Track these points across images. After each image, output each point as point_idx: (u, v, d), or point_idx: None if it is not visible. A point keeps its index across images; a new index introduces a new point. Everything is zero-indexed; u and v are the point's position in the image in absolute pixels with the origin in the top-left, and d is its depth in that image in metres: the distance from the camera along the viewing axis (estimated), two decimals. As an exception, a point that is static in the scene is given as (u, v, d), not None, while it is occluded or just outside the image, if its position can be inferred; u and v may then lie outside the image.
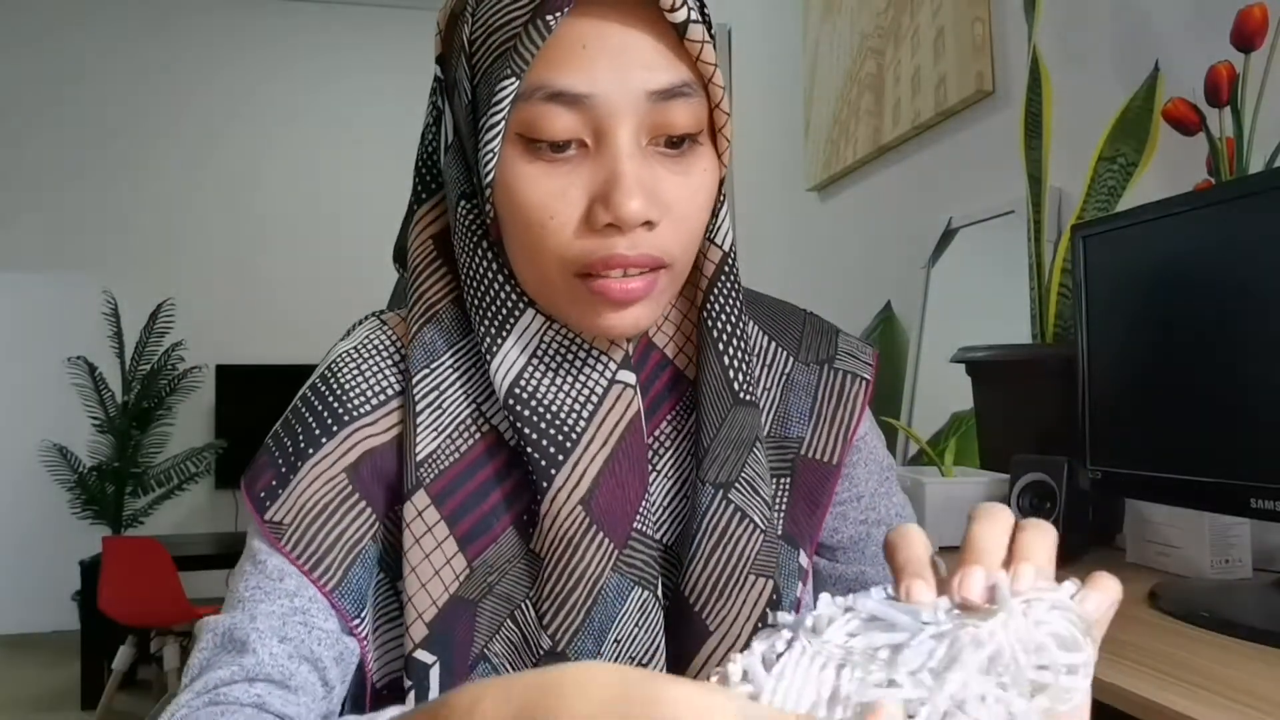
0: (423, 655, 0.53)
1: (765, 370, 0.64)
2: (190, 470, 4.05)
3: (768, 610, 0.56)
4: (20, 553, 4.30)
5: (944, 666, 0.32)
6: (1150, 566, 1.02)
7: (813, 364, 0.65)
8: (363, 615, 0.55)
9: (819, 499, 0.63)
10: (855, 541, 0.65)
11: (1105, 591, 0.38)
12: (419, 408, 0.56)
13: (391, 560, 0.56)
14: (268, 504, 0.54)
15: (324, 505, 0.54)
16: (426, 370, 0.57)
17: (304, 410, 0.57)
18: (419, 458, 0.55)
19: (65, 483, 3.98)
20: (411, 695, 0.52)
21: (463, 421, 0.57)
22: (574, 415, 0.56)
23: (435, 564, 0.54)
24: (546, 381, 0.56)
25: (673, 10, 0.50)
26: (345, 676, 0.54)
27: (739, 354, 0.59)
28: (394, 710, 0.38)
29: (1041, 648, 0.33)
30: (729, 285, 0.59)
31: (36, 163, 4.42)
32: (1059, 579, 0.37)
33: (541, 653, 0.55)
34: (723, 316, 0.59)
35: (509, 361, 0.56)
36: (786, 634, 0.34)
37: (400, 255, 0.64)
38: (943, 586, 0.36)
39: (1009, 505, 1.11)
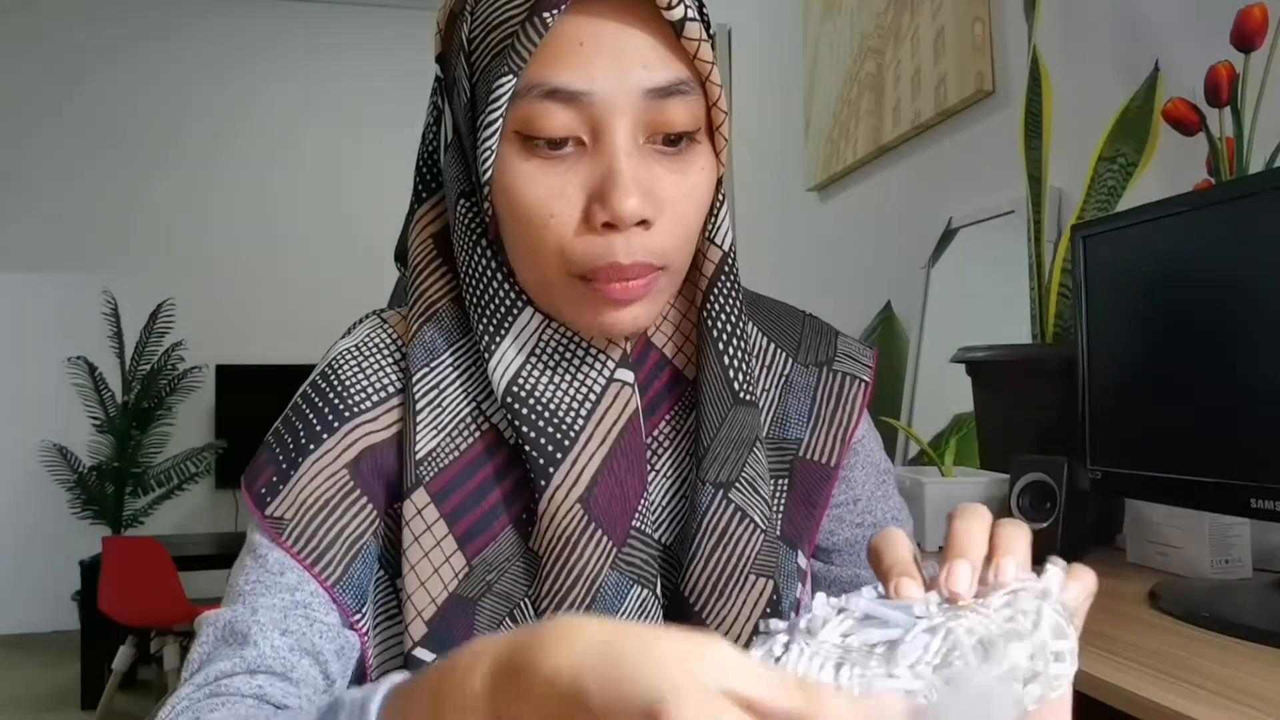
0: (422, 653, 0.53)
1: (764, 371, 0.64)
2: (190, 470, 4.05)
3: (767, 611, 0.56)
4: (20, 553, 4.30)
5: (941, 659, 0.32)
6: (1150, 566, 1.02)
7: (812, 365, 0.65)
8: (363, 610, 0.55)
9: (816, 500, 0.63)
10: (851, 544, 0.65)
11: (1084, 583, 0.40)
12: (419, 406, 0.56)
13: (391, 558, 0.56)
14: (269, 499, 0.54)
15: (325, 500, 0.54)
16: (426, 369, 0.57)
17: (305, 407, 0.57)
18: (418, 456, 0.55)
19: (65, 483, 3.98)
20: None
21: (462, 420, 0.57)
22: (572, 413, 0.56)
23: (434, 562, 0.54)
24: (545, 380, 0.56)
25: (670, 8, 0.50)
26: (346, 670, 0.54)
27: (739, 354, 0.59)
28: (397, 677, 0.39)
29: (1029, 635, 0.34)
30: (729, 285, 0.59)
31: (36, 163, 4.42)
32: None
33: None
34: (723, 316, 0.59)
35: (507, 359, 0.56)
36: (783, 638, 0.35)
37: (401, 255, 0.65)
38: (929, 586, 0.37)
39: (1009, 505, 1.11)
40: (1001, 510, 1.09)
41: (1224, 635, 0.75)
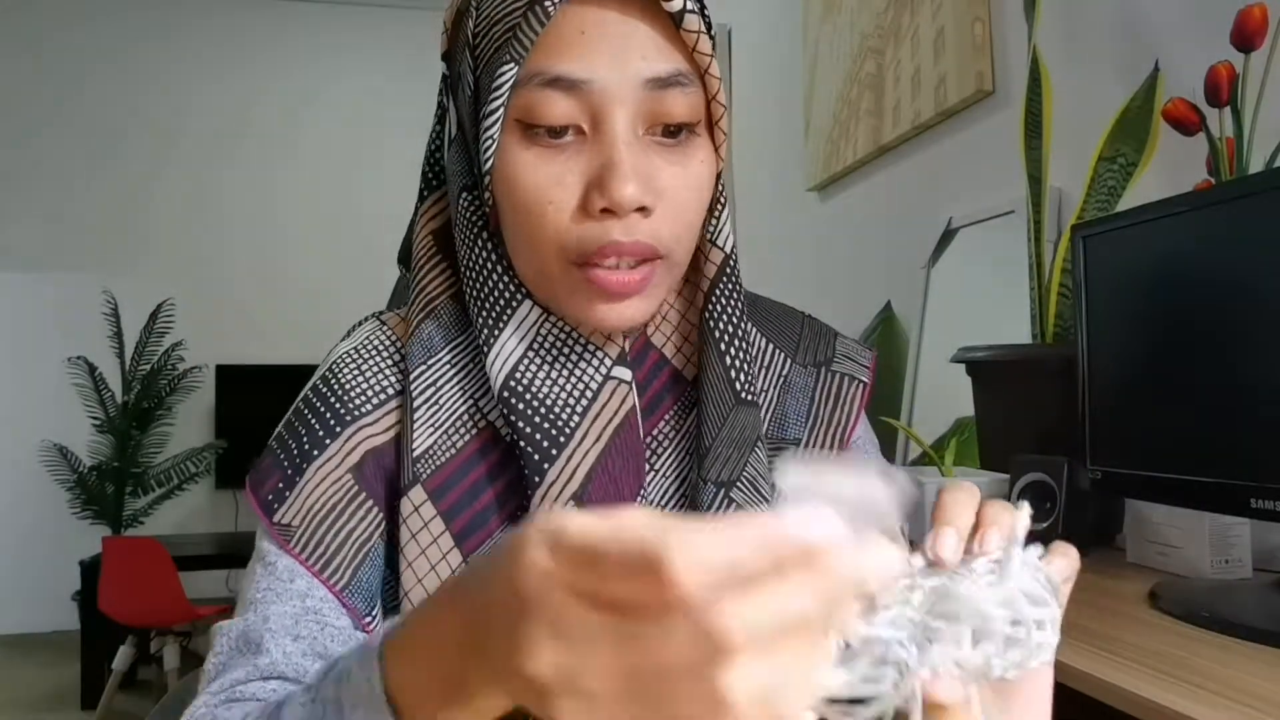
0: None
1: (763, 372, 0.64)
2: (190, 470, 4.05)
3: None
4: (20, 553, 4.29)
5: (923, 618, 0.34)
6: (1150, 566, 1.02)
7: (810, 366, 0.65)
8: (374, 613, 0.55)
9: None
10: None
11: (1069, 559, 0.41)
12: (416, 403, 0.56)
13: (394, 556, 0.56)
14: (275, 506, 0.55)
15: (331, 506, 0.55)
16: (424, 366, 0.57)
17: (306, 412, 0.58)
18: (415, 453, 0.55)
19: (65, 483, 3.98)
20: None
21: (459, 417, 0.57)
22: (568, 410, 0.56)
23: (431, 559, 0.54)
24: (542, 375, 0.57)
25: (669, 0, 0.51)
26: None
27: (740, 354, 0.59)
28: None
29: (1012, 601, 0.35)
30: (730, 286, 0.59)
31: (36, 163, 4.41)
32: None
33: None
34: (724, 317, 0.59)
35: (507, 350, 0.56)
36: None
37: (406, 257, 0.65)
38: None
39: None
40: (1001, 510, 1.09)
41: (1224, 635, 0.75)
